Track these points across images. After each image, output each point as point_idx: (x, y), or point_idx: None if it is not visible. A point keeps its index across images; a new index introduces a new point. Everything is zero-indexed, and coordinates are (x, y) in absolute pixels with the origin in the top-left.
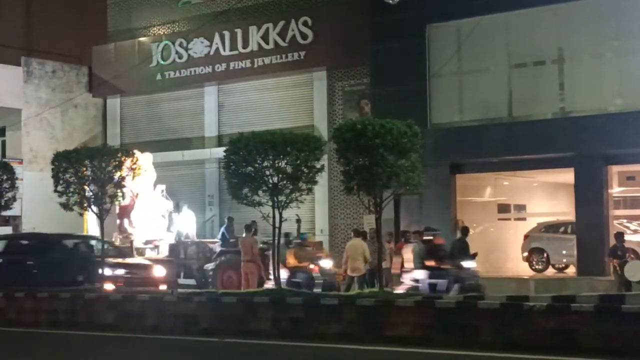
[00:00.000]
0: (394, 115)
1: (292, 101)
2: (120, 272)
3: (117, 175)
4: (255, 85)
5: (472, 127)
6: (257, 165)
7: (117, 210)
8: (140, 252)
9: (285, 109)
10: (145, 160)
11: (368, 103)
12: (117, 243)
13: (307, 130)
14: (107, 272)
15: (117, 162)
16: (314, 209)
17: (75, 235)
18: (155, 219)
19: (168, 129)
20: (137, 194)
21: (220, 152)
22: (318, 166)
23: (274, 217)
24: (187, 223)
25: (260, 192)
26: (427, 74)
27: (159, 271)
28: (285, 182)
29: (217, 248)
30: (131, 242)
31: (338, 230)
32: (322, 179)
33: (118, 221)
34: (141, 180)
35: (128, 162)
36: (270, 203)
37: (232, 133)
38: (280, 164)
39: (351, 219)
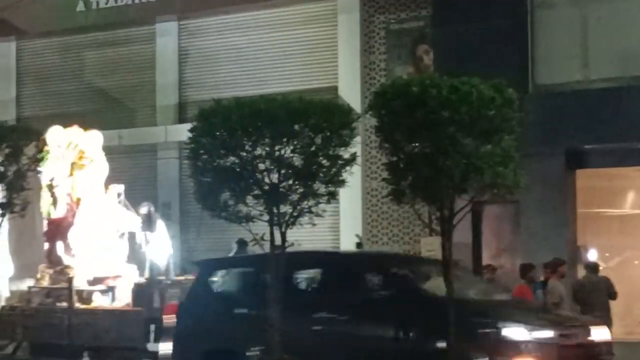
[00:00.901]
0: (471, 71)
1: (302, 48)
2: (546, 334)
3: (11, 171)
4: (240, 22)
5: (605, 90)
6: (244, 154)
7: (45, 228)
8: (84, 298)
9: (291, 62)
10: (89, 142)
11: (429, 50)
12: (45, 281)
13: (327, 95)
14: (512, 333)
15: (11, 149)
16: (337, 227)
17: (400, 256)
18: (108, 242)
19: (96, 94)
20: (78, 200)
21: (182, 131)
22: (347, 155)
23: (272, 241)
24: (162, 250)
25: (249, 199)
26: (529, 2)
27: (602, 333)
28: (291, 181)
29: None
30: (69, 280)
31: None
32: (354, 177)
33: (46, 245)
34: (85, 178)
35: (32, 148)
36: (266, 217)
37: (203, 100)
38: (283, 151)
39: (401, 242)
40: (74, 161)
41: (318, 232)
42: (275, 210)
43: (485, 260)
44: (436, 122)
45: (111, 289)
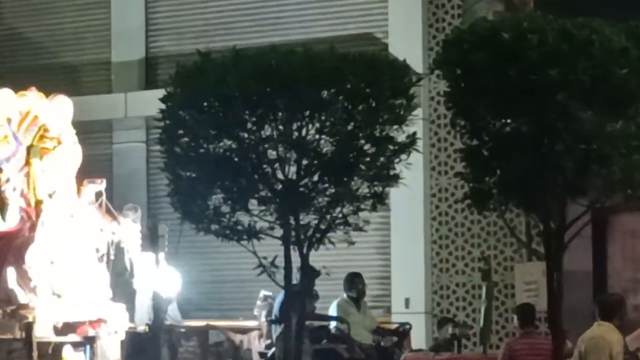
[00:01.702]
0: (590, 10)
1: None
2: None
3: None
4: None
5: None
6: (245, 135)
7: None
8: (49, 354)
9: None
10: (54, 114)
11: None
12: None
13: (371, 46)
14: None
15: None
16: (387, 247)
17: None
18: (85, 268)
19: (20, 45)
20: (39, 204)
21: (151, 101)
22: (402, 138)
23: (287, 267)
24: (171, 281)
25: (253, 204)
26: None
27: None
28: (317, 177)
29: (257, 343)
30: (26, 326)
31: (452, 303)
32: (412, 170)
33: None
34: (49, 169)
35: None
36: (279, 231)
37: (182, 53)
38: (304, 131)
39: (480, 273)
40: (32, 144)
41: (358, 254)
42: (292, 222)
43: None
44: (539, 85)
45: (89, 341)
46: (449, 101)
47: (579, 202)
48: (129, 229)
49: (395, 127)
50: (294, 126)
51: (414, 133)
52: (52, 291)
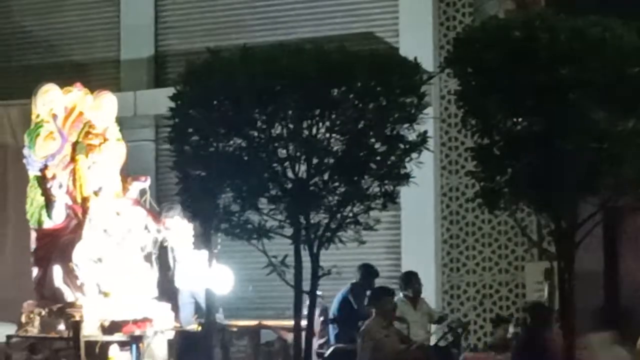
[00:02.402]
0: (604, 8)
1: None
2: None
3: None
4: None
5: None
6: (255, 134)
7: (33, 244)
8: (96, 355)
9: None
10: (100, 111)
11: None
12: (34, 327)
13: (381, 45)
14: None
15: None
16: (397, 247)
17: None
18: (131, 266)
19: (26, 42)
20: (85, 201)
21: (160, 100)
22: (412, 137)
23: (297, 267)
24: (225, 279)
25: (263, 203)
26: None
27: None
28: (327, 176)
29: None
30: (74, 325)
31: (462, 303)
32: (423, 170)
33: (35, 270)
34: (95, 166)
35: None
36: (288, 231)
37: (191, 51)
38: (314, 129)
39: (494, 270)
40: (77, 140)
41: (368, 254)
42: (303, 221)
43: (626, 297)
44: (550, 84)
45: (135, 340)
46: (460, 100)
47: (590, 201)
48: (179, 226)
49: (406, 125)
50: (304, 124)
51: (425, 132)
52: (99, 289)
